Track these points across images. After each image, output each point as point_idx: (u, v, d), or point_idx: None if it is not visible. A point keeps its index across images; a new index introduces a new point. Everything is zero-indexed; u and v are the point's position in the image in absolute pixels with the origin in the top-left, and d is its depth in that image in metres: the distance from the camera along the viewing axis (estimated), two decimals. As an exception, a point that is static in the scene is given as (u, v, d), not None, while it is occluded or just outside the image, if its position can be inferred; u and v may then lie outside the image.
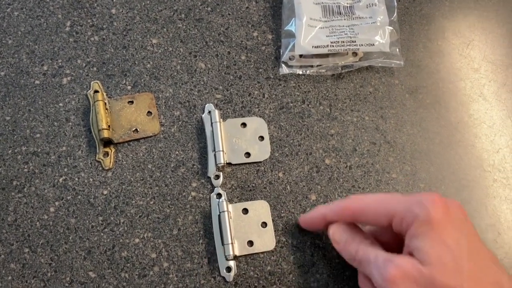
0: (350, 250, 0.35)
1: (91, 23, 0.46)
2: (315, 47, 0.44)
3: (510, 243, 0.42)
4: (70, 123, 0.42)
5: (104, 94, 0.42)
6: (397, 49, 0.46)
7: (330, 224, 0.37)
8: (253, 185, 0.42)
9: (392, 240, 0.36)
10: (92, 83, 0.43)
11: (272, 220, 0.40)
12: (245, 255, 0.39)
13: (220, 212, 0.39)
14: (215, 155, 0.41)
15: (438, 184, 0.43)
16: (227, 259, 0.38)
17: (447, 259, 0.30)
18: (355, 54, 0.46)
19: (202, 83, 0.44)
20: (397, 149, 0.44)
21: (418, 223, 0.31)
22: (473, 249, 0.31)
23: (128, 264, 0.38)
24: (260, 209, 0.40)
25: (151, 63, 0.44)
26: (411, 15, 0.50)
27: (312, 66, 0.46)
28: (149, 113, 0.43)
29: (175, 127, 0.43)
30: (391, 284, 0.30)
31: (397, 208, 0.32)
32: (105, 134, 0.40)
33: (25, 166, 0.41)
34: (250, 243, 0.39)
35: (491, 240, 0.42)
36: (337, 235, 0.36)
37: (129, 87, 0.43)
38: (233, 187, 0.41)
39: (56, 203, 0.40)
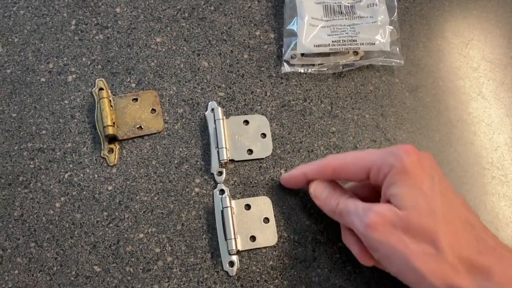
0: (331, 204, 0.37)
1: (96, 22, 0.46)
2: (316, 46, 0.45)
3: (508, 239, 0.43)
4: (76, 120, 0.43)
5: (109, 91, 0.43)
6: (397, 48, 0.47)
7: (311, 182, 0.39)
8: (256, 181, 0.42)
9: (369, 195, 0.38)
10: (97, 80, 0.44)
11: (274, 215, 0.41)
12: (248, 250, 0.40)
13: (223, 208, 0.40)
14: (218, 151, 0.42)
15: (438, 181, 0.44)
16: (230, 254, 0.39)
17: (422, 203, 0.32)
18: (356, 53, 0.46)
19: (205, 81, 0.45)
20: (397, 146, 0.45)
21: (394, 172, 0.33)
22: (445, 194, 0.33)
23: (133, 259, 0.39)
24: (262, 205, 0.41)
25: (155, 61, 0.45)
26: (411, 15, 0.50)
27: (313, 65, 0.46)
28: (153, 110, 0.43)
29: (179, 124, 0.43)
30: (371, 230, 0.32)
31: (374, 161, 0.34)
32: (110, 130, 0.41)
33: (31, 162, 0.41)
34: (253, 238, 0.40)
35: (489, 236, 0.43)
36: (318, 191, 0.38)
37: (133, 85, 0.44)
38: (235, 183, 0.42)
39: (62, 199, 0.40)
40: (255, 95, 0.45)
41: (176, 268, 0.39)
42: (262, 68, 0.46)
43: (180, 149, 0.43)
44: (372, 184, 0.36)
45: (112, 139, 0.42)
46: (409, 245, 0.31)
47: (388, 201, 0.33)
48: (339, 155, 0.38)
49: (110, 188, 0.41)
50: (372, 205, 0.33)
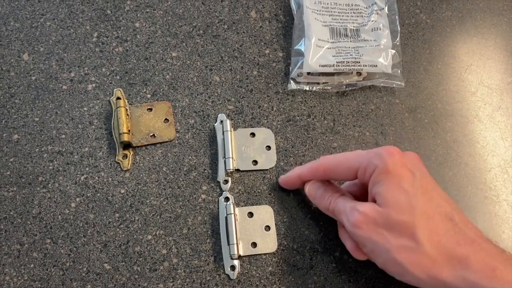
0: (324, 203, 0.40)
1: (116, 35, 0.49)
2: (322, 66, 0.47)
3: (497, 257, 0.44)
4: (93, 126, 0.46)
5: (126, 101, 0.46)
6: (399, 71, 0.49)
7: (306, 182, 0.42)
8: (259, 191, 0.45)
9: (362, 192, 0.41)
10: (115, 90, 0.47)
11: (275, 224, 0.43)
12: (249, 256, 0.42)
13: (227, 214, 0.42)
14: (225, 161, 0.44)
15: (432, 198, 0.46)
16: (231, 258, 0.41)
17: (402, 200, 0.34)
18: (359, 73, 0.49)
19: (216, 94, 0.48)
20: (395, 164, 0.47)
21: (377, 172, 0.35)
22: (426, 190, 0.35)
23: (141, 259, 0.41)
24: (265, 213, 0.44)
25: (170, 74, 0.48)
26: (413, 39, 0.53)
27: (318, 83, 0.49)
28: (166, 120, 0.46)
29: (189, 134, 0.46)
30: (357, 228, 0.35)
31: (361, 162, 0.37)
32: (125, 137, 0.43)
33: (50, 164, 0.44)
34: (254, 244, 0.42)
35: (480, 253, 0.44)
36: (312, 191, 0.41)
37: (148, 96, 0.47)
38: (240, 191, 0.44)
39: (77, 199, 0.43)
40: (262, 110, 0.48)
41: (181, 270, 0.41)
42: (270, 85, 0.49)
43: (190, 157, 0.45)
44: (361, 183, 0.39)
45: (127, 145, 0.45)
46: (390, 240, 0.34)
47: (374, 200, 0.36)
48: (330, 156, 0.40)
49: (122, 191, 0.43)
50: (358, 204, 0.36)
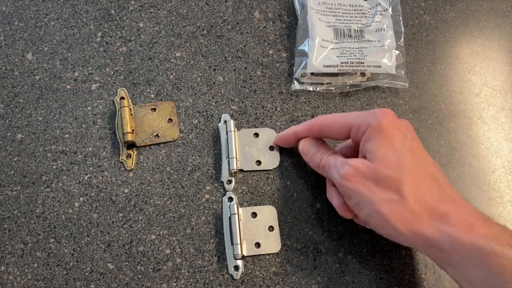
0: (316, 159, 0.41)
1: (120, 35, 0.49)
2: (326, 66, 0.47)
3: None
4: (97, 126, 0.46)
5: (130, 100, 0.46)
6: (403, 72, 0.49)
7: (300, 140, 0.43)
8: (263, 191, 0.45)
9: (352, 155, 0.41)
10: (118, 90, 0.47)
11: (279, 224, 0.43)
12: (252, 256, 0.42)
13: (230, 214, 0.42)
14: (228, 161, 0.44)
15: (436, 199, 0.46)
16: (235, 258, 0.41)
17: (392, 156, 0.36)
18: (363, 74, 0.49)
19: (220, 94, 0.48)
20: (398, 164, 0.47)
21: (371, 129, 0.37)
22: (415, 151, 0.37)
23: (144, 258, 0.41)
24: (268, 213, 0.44)
25: (173, 74, 0.48)
26: (417, 40, 0.53)
27: (322, 84, 0.49)
28: (170, 120, 0.46)
29: (193, 134, 0.46)
30: (346, 181, 0.37)
31: (355, 120, 0.38)
32: (129, 137, 0.43)
33: (54, 163, 0.44)
34: (257, 244, 0.42)
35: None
36: (306, 148, 0.43)
37: (152, 96, 0.47)
38: (243, 192, 0.44)
39: (81, 199, 0.43)
40: (265, 110, 0.48)
41: (184, 269, 0.41)
42: (274, 85, 0.49)
43: (193, 157, 0.45)
44: (353, 143, 0.40)
45: (131, 145, 0.45)
46: (376, 193, 0.35)
47: (364, 156, 0.37)
48: (326, 115, 0.42)
49: (126, 191, 0.43)
50: (349, 159, 0.38)
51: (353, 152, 0.42)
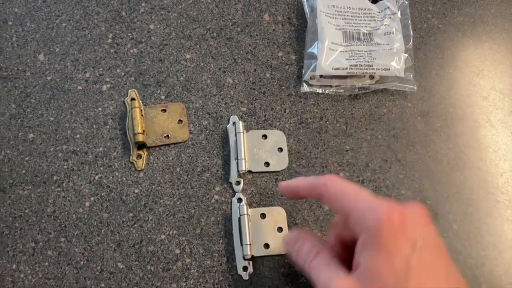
0: (301, 260, 0.35)
1: (131, 37, 0.50)
2: (335, 69, 0.48)
3: (509, 262, 0.45)
4: (108, 126, 0.46)
5: (140, 101, 0.46)
6: (411, 75, 0.49)
7: (303, 196, 0.37)
8: (271, 192, 0.45)
9: (350, 236, 0.33)
10: (129, 91, 0.47)
11: (288, 226, 0.43)
12: (261, 257, 0.42)
13: (240, 215, 0.43)
14: (237, 162, 0.45)
15: (444, 202, 0.46)
16: (244, 259, 0.41)
17: (388, 279, 0.28)
18: (371, 77, 0.49)
19: (229, 96, 0.48)
20: (407, 167, 0.47)
21: (367, 235, 0.30)
22: (423, 266, 0.29)
23: (154, 258, 0.42)
24: (277, 215, 0.44)
25: (184, 76, 0.49)
26: (426, 44, 0.53)
27: (331, 86, 0.49)
28: (180, 121, 0.46)
29: (203, 135, 0.46)
30: None
31: (355, 208, 0.31)
32: (140, 138, 0.44)
33: (65, 163, 0.44)
34: (266, 245, 0.42)
35: (491, 257, 0.44)
36: (289, 245, 0.37)
37: (163, 97, 0.47)
38: (252, 193, 0.45)
39: (91, 199, 0.43)
40: (274, 112, 0.48)
41: (194, 269, 0.42)
42: (283, 87, 0.49)
43: (203, 158, 0.46)
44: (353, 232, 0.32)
45: (141, 145, 0.45)
46: None
47: (357, 265, 0.30)
48: (332, 181, 0.34)
49: (136, 191, 0.44)
50: (334, 276, 0.31)
51: (350, 236, 0.33)
